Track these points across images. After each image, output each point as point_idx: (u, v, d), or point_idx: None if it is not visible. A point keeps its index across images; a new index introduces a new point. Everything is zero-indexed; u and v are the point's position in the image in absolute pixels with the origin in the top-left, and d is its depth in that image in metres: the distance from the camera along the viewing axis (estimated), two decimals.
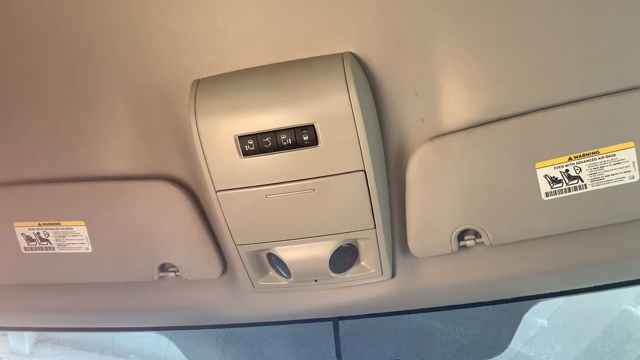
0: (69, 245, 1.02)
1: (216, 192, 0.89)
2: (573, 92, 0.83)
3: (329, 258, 0.95)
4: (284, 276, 1.00)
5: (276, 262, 0.99)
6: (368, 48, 0.83)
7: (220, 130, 0.84)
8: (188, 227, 0.98)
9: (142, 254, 1.02)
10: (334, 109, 0.82)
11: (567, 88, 0.82)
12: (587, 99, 0.82)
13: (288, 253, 0.95)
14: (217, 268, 1.03)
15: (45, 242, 1.03)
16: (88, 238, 1.01)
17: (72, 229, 1.00)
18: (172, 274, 1.05)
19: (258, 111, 0.83)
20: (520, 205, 0.89)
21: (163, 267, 1.05)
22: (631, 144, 0.83)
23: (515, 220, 0.91)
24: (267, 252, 0.97)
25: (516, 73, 0.82)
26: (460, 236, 0.95)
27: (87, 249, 1.02)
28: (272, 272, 1.01)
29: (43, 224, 1.01)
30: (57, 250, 1.03)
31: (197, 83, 0.85)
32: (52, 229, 1.01)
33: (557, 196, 0.87)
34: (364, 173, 0.86)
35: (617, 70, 0.81)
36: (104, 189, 0.97)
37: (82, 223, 1.00)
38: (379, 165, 0.89)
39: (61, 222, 1.00)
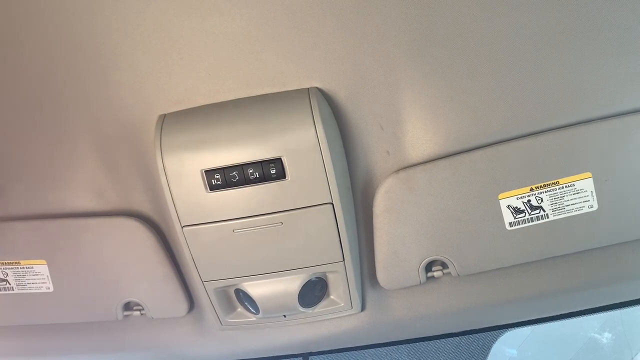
0: (28, 285, 0.98)
1: (182, 227, 0.88)
2: (532, 124, 0.85)
3: (298, 292, 0.94)
4: (252, 312, 0.98)
5: (244, 298, 0.97)
6: (333, 83, 0.84)
7: (186, 165, 0.83)
8: (153, 263, 0.96)
9: (106, 292, 0.99)
10: (300, 143, 0.82)
11: (526, 120, 0.85)
12: (545, 131, 0.85)
13: (256, 288, 0.94)
14: (183, 306, 1.01)
15: (4, 283, 0.99)
16: (49, 277, 0.98)
17: (32, 267, 0.97)
18: (137, 313, 1.02)
19: (225, 145, 0.83)
20: (485, 235, 0.90)
21: (128, 306, 1.02)
22: (589, 174, 0.86)
23: (482, 250, 0.92)
24: (235, 287, 0.96)
25: (478, 106, 0.85)
26: (428, 267, 0.95)
27: (48, 289, 0.98)
28: (240, 309, 1.00)
29: (2, 264, 0.97)
30: (16, 291, 0.99)
31: (163, 118, 0.85)
32: (11, 268, 0.98)
33: (521, 226, 0.89)
34: (331, 206, 0.86)
35: (573, 103, 0.84)
36: (66, 226, 0.94)
37: (43, 262, 0.97)
38: (347, 197, 0.90)
39: (21, 261, 0.97)
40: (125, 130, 0.88)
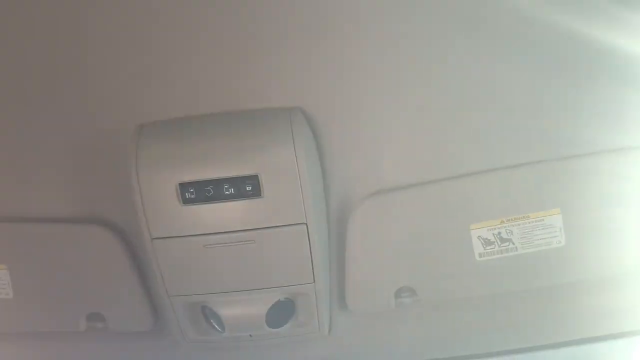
0: None
1: (152, 239, 0.86)
2: (506, 158, 0.87)
3: (266, 312, 0.93)
4: (218, 330, 0.97)
5: (210, 315, 0.96)
6: (316, 105, 0.85)
7: (161, 177, 0.83)
8: (119, 274, 0.94)
9: (69, 301, 0.97)
10: (278, 162, 0.82)
11: (500, 154, 0.87)
12: (518, 165, 0.87)
13: (224, 306, 0.93)
14: (148, 319, 0.99)
15: None
16: (10, 283, 0.95)
17: None
18: (101, 325, 0.99)
19: (201, 159, 0.82)
20: (455, 264, 0.91)
21: (91, 317, 0.99)
22: (558, 210, 0.87)
23: (451, 279, 0.93)
24: (202, 304, 0.94)
25: (454, 138, 0.86)
26: (398, 293, 0.96)
27: (8, 295, 0.95)
28: (206, 326, 0.98)
29: None
30: None
31: (141, 128, 0.84)
32: None
33: (490, 257, 0.90)
34: (305, 226, 0.86)
35: (545, 139, 0.86)
36: (30, 230, 0.92)
37: (3, 267, 0.94)
38: (321, 219, 0.90)
39: None
40: (100, 137, 0.87)
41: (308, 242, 0.87)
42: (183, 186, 0.82)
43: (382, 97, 0.84)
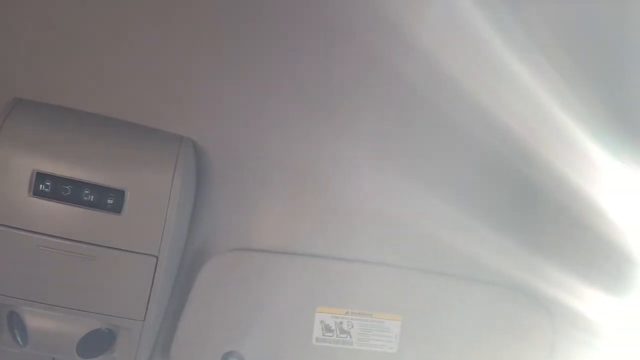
0: None
1: None
2: (372, 254, 0.90)
3: (80, 338, 0.84)
4: (18, 342, 0.85)
5: (16, 324, 0.85)
6: (212, 144, 0.84)
7: (19, 159, 0.75)
8: None
9: None
10: (152, 186, 0.79)
11: (360, 248, 0.90)
12: (376, 263, 0.90)
13: (35, 317, 0.83)
14: None
15: None
16: None
17: None
18: None
19: (71, 155, 0.76)
20: (291, 343, 0.90)
21: None
22: (399, 317, 0.91)
23: (283, 356, 0.91)
24: (11, 309, 0.84)
25: (323, 219, 0.88)
26: (226, 357, 0.92)
27: None
28: (7, 334, 0.86)
29: None
30: None
31: (19, 102, 0.77)
32: None
33: (325, 344, 0.91)
34: (155, 260, 0.81)
35: (399, 245, 0.91)
36: None
37: None
38: (174, 258, 0.86)
39: None
40: None
41: (153, 276, 0.82)
42: (40, 176, 0.75)
43: (271, 158, 0.85)
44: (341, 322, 0.90)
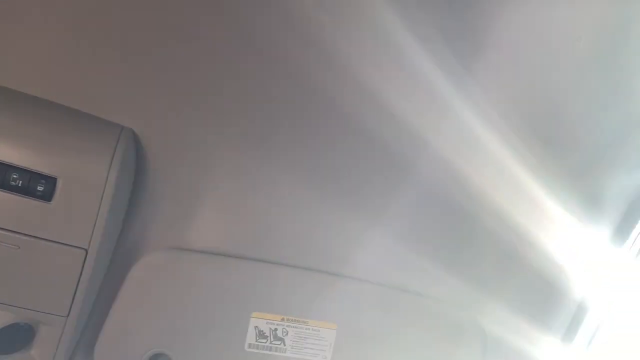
0: None
1: None
2: (305, 260, 0.89)
3: None
4: None
5: None
6: (150, 135, 0.80)
7: None
8: None
9: None
10: (87, 175, 0.75)
11: (300, 254, 0.89)
12: (314, 270, 0.89)
13: None
14: None
15: None
16: None
17: None
18: None
19: (3, 134, 0.72)
20: (222, 348, 0.88)
21: None
22: (335, 325, 0.90)
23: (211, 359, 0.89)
24: None
25: (263, 224, 0.86)
26: (153, 359, 0.88)
27: None
28: None
29: None
30: None
31: None
32: None
33: (257, 351, 0.89)
34: (85, 253, 0.77)
35: (339, 255, 0.90)
36: None
37: None
38: (105, 253, 0.82)
39: None
40: None
41: (80, 271, 0.78)
42: None
43: (214, 157, 0.83)
44: (276, 329, 0.88)
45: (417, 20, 0.75)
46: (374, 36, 0.76)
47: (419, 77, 0.78)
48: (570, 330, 0.94)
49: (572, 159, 0.86)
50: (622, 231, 0.92)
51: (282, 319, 0.88)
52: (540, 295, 0.94)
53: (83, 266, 0.78)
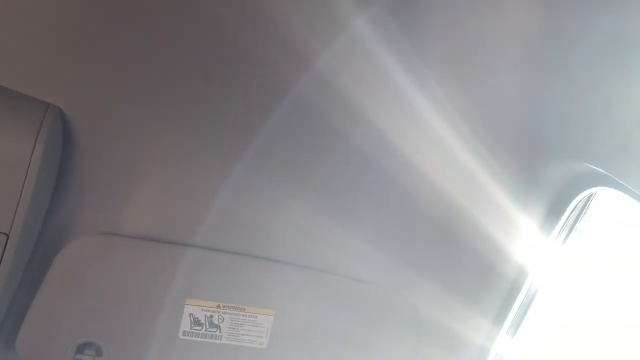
0: None
1: None
2: (241, 245, 0.87)
3: None
4: None
5: None
6: (78, 113, 0.76)
7: None
8: None
9: None
10: (8, 156, 0.70)
11: (236, 240, 0.87)
12: (250, 256, 0.88)
13: None
14: None
15: None
16: None
17: None
18: None
19: None
20: (154, 336, 0.85)
21: None
22: (272, 312, 0.89)
23: (145, 350, 0.86)
24: None
25: (201, 210, 0.84)
26: (81, 349, 0.84)
27: None
28: None
29: None
30: None
31: None
32: None
33: (192, 338, 0.86)
34: (6, 238, 0.73)
35: (276, 240, 0.89)
36: None
37: None
38: (29, 239, 0.77)
39: None
40: None
41: (1, 256, 0.73)
42: None
43: (148, 136, 0.80)
44: (211, 316, 0.86)
45: (386, 25, 0.74)
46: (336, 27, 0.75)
47: (385, 78, 0.78)
48: (502, 312, 0.97)
49: (509, 144, 0.88)
50: (550, 219, 0.95)
51: (218, 306, 0.87)
52: (475, 276, 0.97)
53: (3, 252, 0.73)
